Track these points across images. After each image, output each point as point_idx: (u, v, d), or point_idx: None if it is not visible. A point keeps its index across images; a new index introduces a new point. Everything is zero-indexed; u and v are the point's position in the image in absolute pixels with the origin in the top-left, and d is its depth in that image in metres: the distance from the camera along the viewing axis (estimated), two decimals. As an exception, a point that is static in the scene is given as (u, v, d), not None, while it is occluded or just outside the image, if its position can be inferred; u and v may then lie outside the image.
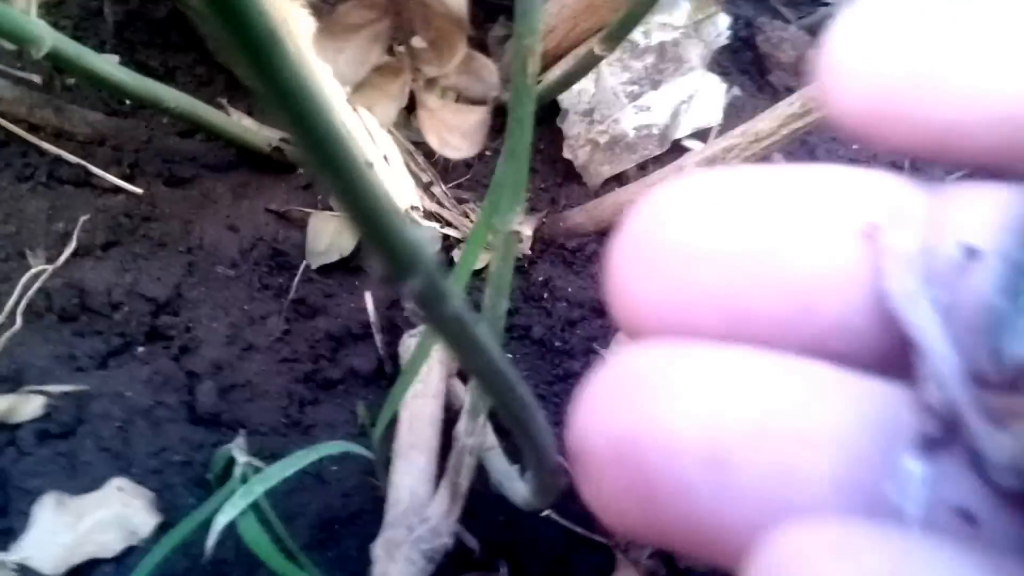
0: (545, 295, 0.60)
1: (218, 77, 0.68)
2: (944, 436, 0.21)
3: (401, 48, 0.47)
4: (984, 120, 0.22)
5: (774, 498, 0.21)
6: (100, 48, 0.65)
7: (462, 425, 0.49)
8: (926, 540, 0.19)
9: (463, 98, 0.52)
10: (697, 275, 0.23)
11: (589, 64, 0.59)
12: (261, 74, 0.15)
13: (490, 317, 0.45)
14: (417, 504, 0.48)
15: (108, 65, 0.57)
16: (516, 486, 0.47)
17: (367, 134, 0.62)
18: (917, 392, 0.21)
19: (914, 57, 0.22)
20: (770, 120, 0.55)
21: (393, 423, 0.51)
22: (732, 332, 0.23)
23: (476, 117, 0.46)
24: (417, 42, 0.47)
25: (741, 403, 0.22)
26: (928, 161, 0.23)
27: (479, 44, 0.65)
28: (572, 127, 0.63)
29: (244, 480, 0.49)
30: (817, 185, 0.23)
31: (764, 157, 0.57)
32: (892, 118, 0.23)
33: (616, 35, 0.56)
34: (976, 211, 0.22)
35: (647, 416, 0.22)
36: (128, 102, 0.66)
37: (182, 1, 0.66)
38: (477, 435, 0.49)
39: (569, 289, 0.61)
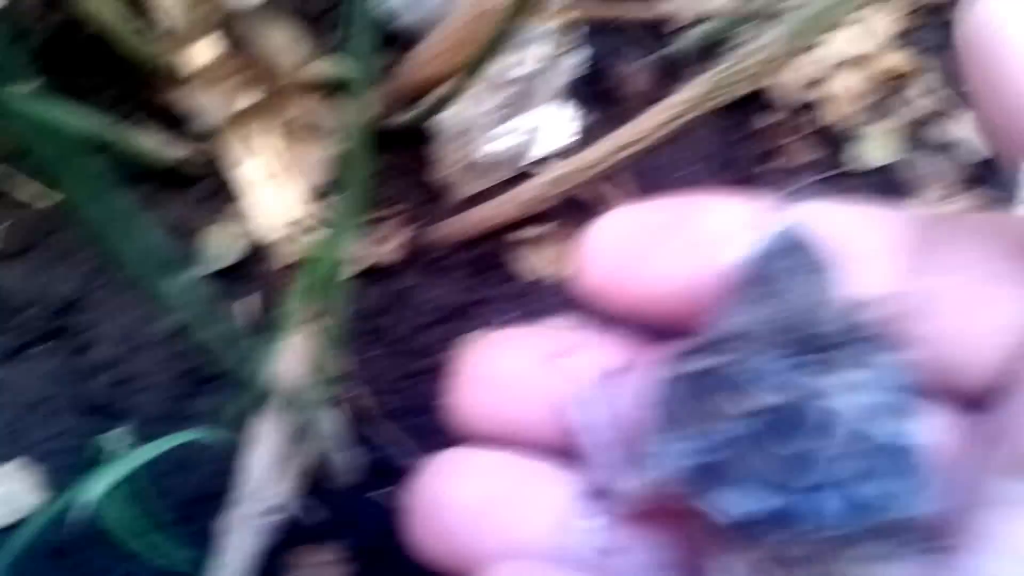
0: (408, 300, 0.68)
1: (132, 96, 0.75)
2: (597, 502, 0.32)
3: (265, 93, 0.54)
4: (675, 300, 0.32)
5: (511, 548, 0.32)
6: (25, 67, 0.72)
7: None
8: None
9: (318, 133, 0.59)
10: (507, 403, 0.35)
11: (455, 93, 0.66)
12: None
13: (329, 322, 0.52)
14: (263, 483, 0.55)
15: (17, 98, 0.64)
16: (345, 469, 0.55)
17: (251, 154, 0.69)
18: (581, 474, 0.33)
19: (637, 256, 0.33)
20: (603, 148, 0.62)
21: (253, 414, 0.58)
22: (525, 439, 0.34)
23: (322, 147, 0.53)
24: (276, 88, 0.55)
25: (497, 487, 0.33)
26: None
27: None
28: (442, 148, 0.71)
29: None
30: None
31: (608, 176, 0.65)
32: (620, 296, 0.33)
33: (478, 69, 0.63)
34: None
35: (444, 493, 0.34)
36: (46, 121, 0.73)
37: (100, 27, 0.73)
38: (318, 428, 0.57)
39: (430, 296, 0.68)
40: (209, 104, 0.50)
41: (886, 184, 0.75)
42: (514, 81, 0.69)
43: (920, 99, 0.76)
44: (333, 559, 0.57)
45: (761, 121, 0.72)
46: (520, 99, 0.70)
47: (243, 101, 0.51)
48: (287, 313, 0.57)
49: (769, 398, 0.29)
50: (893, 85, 0.75)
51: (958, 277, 0.32)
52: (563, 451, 0.34)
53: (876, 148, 0.75)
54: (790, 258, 0.30)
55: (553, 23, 0.72)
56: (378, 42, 0.77)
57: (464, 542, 0.33)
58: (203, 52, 0.60)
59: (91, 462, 0.60)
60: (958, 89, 0.75)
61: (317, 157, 0.57)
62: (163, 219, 0.70)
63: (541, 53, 0.69)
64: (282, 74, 0.49)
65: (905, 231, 0.33)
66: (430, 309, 0.68)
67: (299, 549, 0.57)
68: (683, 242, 0.33)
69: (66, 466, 0.61)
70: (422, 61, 0.72)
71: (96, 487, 0.52)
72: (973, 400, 0.33)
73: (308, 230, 0.68)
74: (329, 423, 0.57)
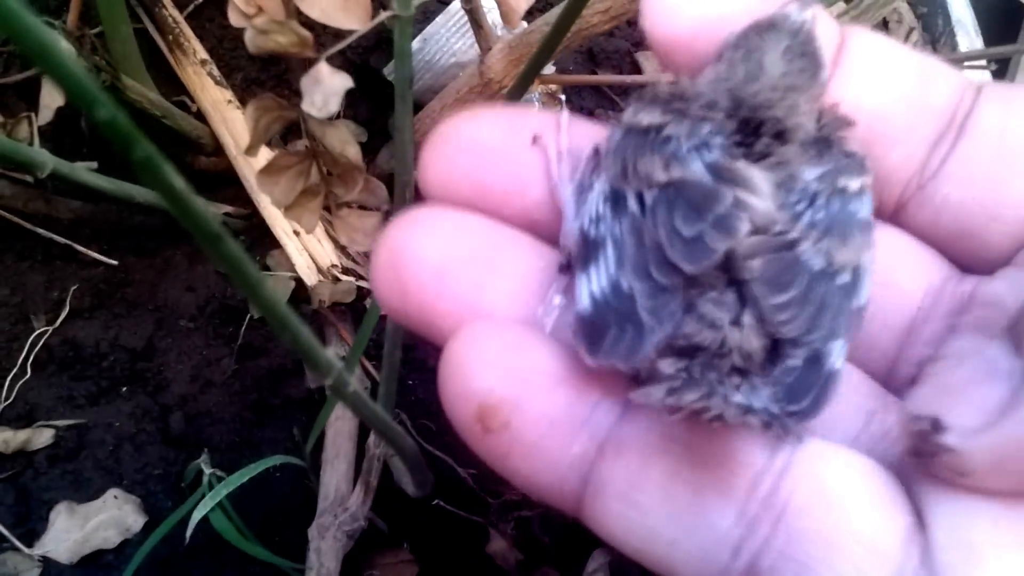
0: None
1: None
2: (568, 266, 0.33)
3: (318, 178, 0.63)
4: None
5: (479, 304, 0.33)
6: (77, 148, 0.82)
7: (372, 439, 0.67)
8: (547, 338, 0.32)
9: (364, 208, 0.69)
10: (481, 169, 0.34)
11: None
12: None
13: (388, 351, 0.62)
14: (340, 498, 0.65)
15: (92, 176, 0.73)
16: (410, 482, 0.65)
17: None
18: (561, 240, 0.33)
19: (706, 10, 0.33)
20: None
21: (322, 438, 0.68)
22: (495, 207, 0.34)
23: (373, 220, 0.63)
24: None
25: (463, 247, 0.33)
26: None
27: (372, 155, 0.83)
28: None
29: (211, 486, 0.66)
30: None
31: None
32: (682, 49, 0.33)
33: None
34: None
35: (409, 248, 0.33)
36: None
37: (141, 110, 0.82)
38: (383, 447, 0.67)
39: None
40: (273, 192, 0.59)
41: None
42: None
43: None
44: (405, 560, 0.67)
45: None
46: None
47: (299, 188, 0.60)
48: (356, 344, 0.67)
49: (681, 173, 0.29)
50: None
51: (997, 150, 0.33)
52: (531, 223, 0.35)
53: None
54: (774, 37, 0.31)
55: (538, 89, 0.83)
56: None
57: (426, 300, 0.33)
58: (264, 155, 0.71)
59: (178, 488, 0.70)
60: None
61: (360, 228, 0.66)
62: (214, 270, 0.80)
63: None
64: (338, 163, 0.58)
65: (962, 95, 0.34)
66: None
67: (377, 552, 0.67)
68: None
69: (158, 491, 0.70)
70: (428, 124, 0.83)
71: (203, 508, 0.62)
72: (984, 265, 0.34)
73: (347, 272, 0.79)
74: (394, 442, 0.67)
